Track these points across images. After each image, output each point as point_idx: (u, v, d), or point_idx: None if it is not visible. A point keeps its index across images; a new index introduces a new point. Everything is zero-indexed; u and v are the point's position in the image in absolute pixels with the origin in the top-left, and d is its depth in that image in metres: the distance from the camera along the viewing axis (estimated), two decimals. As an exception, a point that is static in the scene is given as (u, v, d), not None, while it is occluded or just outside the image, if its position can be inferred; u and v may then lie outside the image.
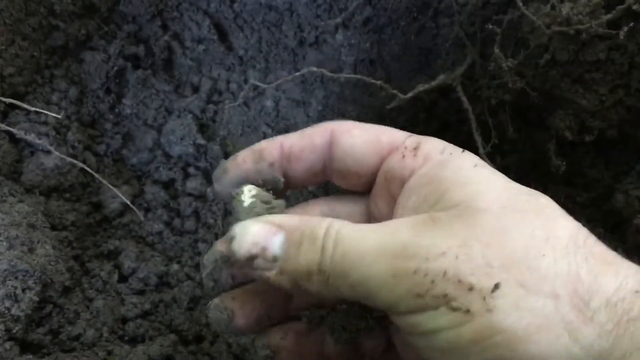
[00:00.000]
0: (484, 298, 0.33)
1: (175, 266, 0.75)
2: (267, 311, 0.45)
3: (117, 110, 0.80)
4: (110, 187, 0.60)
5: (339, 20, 0.68)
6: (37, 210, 0.68)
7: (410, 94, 0.63)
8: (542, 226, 0.35)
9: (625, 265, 0.34)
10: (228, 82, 0.84)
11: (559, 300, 0.33)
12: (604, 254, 0.35)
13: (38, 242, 0.64)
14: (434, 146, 0.42)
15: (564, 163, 0.61)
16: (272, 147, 0.45)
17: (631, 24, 0.52)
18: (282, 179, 0.45)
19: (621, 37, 0.51)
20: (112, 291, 0.70)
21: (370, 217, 0.48)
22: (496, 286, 0.33)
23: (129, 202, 0.61)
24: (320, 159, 0.45)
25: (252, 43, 0.83)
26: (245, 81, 0.84)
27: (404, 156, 0.42)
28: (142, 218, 0.66)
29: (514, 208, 0.36)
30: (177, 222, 0.79)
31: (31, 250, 0.63)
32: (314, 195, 0.80)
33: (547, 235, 0.35)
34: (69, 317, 0.65)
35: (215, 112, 0.84)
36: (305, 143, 0.45)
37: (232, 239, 0.39)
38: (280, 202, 0.45)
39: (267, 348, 0.46)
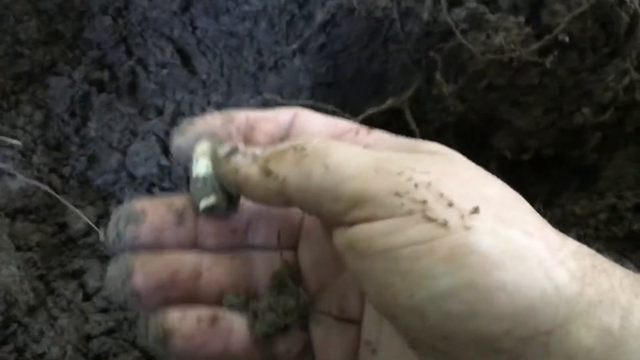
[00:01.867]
0: (462, 216, 0.31)
1: (140, 284, 0.77)
2: (170, 278, 0.40)
3: (82, 133, 0.82)
4: (73, 208, 0.62)
5: (294, 46, 0.72)
6: (2, 232, 0.70)
7: (359, 118, 0.67)
8: (510, 191, 0.35)
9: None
10: (191, 104, 0.87)
11: (534, 238, 0.32)
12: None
13: (3, 263, 0.66)
14: (386, 133, 0.42)
15: (503, 180, 0.65)
16: (240, 114, 0.44)
17: (556, 53, 0.56)
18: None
19: (547, 65, 0.55)
20: (76, 310, 0.72)
21: None
22: (475, 209, 0.31)
23: (92, 224, 0.63)
24: (282, 135, 0.44)
25: (215, 67, 0.86)
26: (209, 103, 0.87)
27: (357, 133, 0.42)
28: (103, 238, 0.68)
29: (484, 171, 0.36)
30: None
31: (-4, 271, 0.65)
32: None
33: (515, 195, 0.35)
34: (33, 335, 0.67)
35: (179, 134, 0.86)
36: (270, 116, 0.44)
37: (220, 141, 0.40)
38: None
39: (161, 328, 0.39)
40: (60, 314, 0.71)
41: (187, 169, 0.77)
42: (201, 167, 0.40)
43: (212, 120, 0.43)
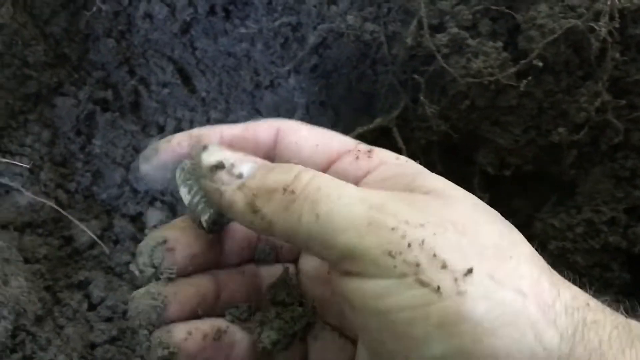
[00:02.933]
0: (456, 280, 0.31)
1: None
2: (199, 303, 0.41)
3: (87, 150, 0.86)
4: (78, 223, 0.66)
5: (287, 68, 0.75)
6: (12, 245, 0.74)
7: (350, 135, 0.71)
8: (509, 232, 0.35)
9: (572, 284, 0.35)
10: (191, 122, 0.91)
11: (526, 298, 0.32)
12: (555, 272, 0.35)
13: (12, 275, 0.70)
14: (388, 153, 0.41)
15: (487, 195, 0.68)
16: (212, 134, 0.41)
17: (530, 77, 0.59)
18: None
19: (522, 88, 0.59)
20: (81, 319, 0.76)
21: None
22: (469, 270, 0.31)
23: (95, 237, 0.67)
24: (263, 156, 0.41)
25: (214, 86, 0.90)
26: (208, 120, 0.91)
27: (357, 157, 0.40)
28: (107, 251, 0.72)
29: (482, 208, 0.36)
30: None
31: (5, 283, 0.69)
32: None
33: (513, 240, 0.35)
34: (41, 343, 0.71)
35: (180, 150, 0.90)
36: (248, 136, 0.41)
37: (204, 147, 0.37)
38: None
39: (166, 347, 0.38)
40: (67, 323, 0.74)
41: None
42: (183, 194, 0.40)
43: (179, 147, 0.41)
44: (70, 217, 0.66)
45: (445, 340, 0.31)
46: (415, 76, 0.65)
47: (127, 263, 0.83)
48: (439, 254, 0.31)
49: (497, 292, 0.31)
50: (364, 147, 0.41)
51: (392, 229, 0.32)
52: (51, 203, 0.73)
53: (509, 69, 0.61)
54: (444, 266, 0.31)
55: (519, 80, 0.62)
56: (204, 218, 0.39)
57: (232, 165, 0.36)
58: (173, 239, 0.39)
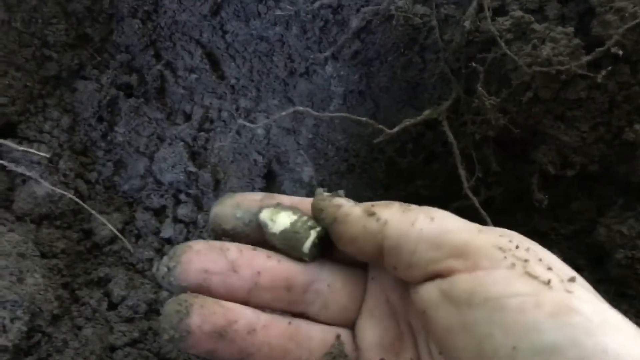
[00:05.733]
0: (562, 281, 0.33)
1: (165, 293, 0.76)
2: (226, 328, 0.42)
3: (109, 138, 0.81)
4: (98, 216, 0.61)
5: (328, 53, 0.69)
6: (28, 239, 0.68)
7: (396, 129, 0.64)
8: None
9: None
10: (220, 110, 0.85)
11: (619, 315, 0.33)
12: None
13: (27, 271, 0.65)
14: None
15: (546, 197, 0.62)
16: (282, 197, 0.47)
17: (609, 68, 0.53)
18: None
19: (599, 79, 0.52)
20: (101, 319, 0.71)
21: None
22: (573, 278, 0.33)
23: (117, 232, 0.61)
24: None
25: (244, 72, 0.84)
26: (237, 109, 0.85)
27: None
28: (130, 248, 0.67)
29: None
30: (167, 248, 0.80)
31: (20, 280, 0.63)
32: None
33: None
34: (57, 345, 0.66)
35: (207, 140, 0.84)
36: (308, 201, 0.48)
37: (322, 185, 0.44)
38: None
39: None
40: (85, 324, 0.70)
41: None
42: (283, 219, 0.44)
43: (252, 196, 0.47)
44: (90, 209, 0.61)
45: (558, 330, 0.31)
46: (473, 64, 0.58)
47: (150, 260, 0.77)
48: (544, 259, 0.34)
49: (598, 302, 0.33)
50: None
51: (501, 235, 0.36)
52: (70, 194, 0.67)
53: (581, 58, 0.54)
54: (549, 268, 0.34)
55: (591, 71, 0.55)
56: (310, 238, 0.43)
57: (348, 199, 0.43)
58: (195, 250, 0.43)
